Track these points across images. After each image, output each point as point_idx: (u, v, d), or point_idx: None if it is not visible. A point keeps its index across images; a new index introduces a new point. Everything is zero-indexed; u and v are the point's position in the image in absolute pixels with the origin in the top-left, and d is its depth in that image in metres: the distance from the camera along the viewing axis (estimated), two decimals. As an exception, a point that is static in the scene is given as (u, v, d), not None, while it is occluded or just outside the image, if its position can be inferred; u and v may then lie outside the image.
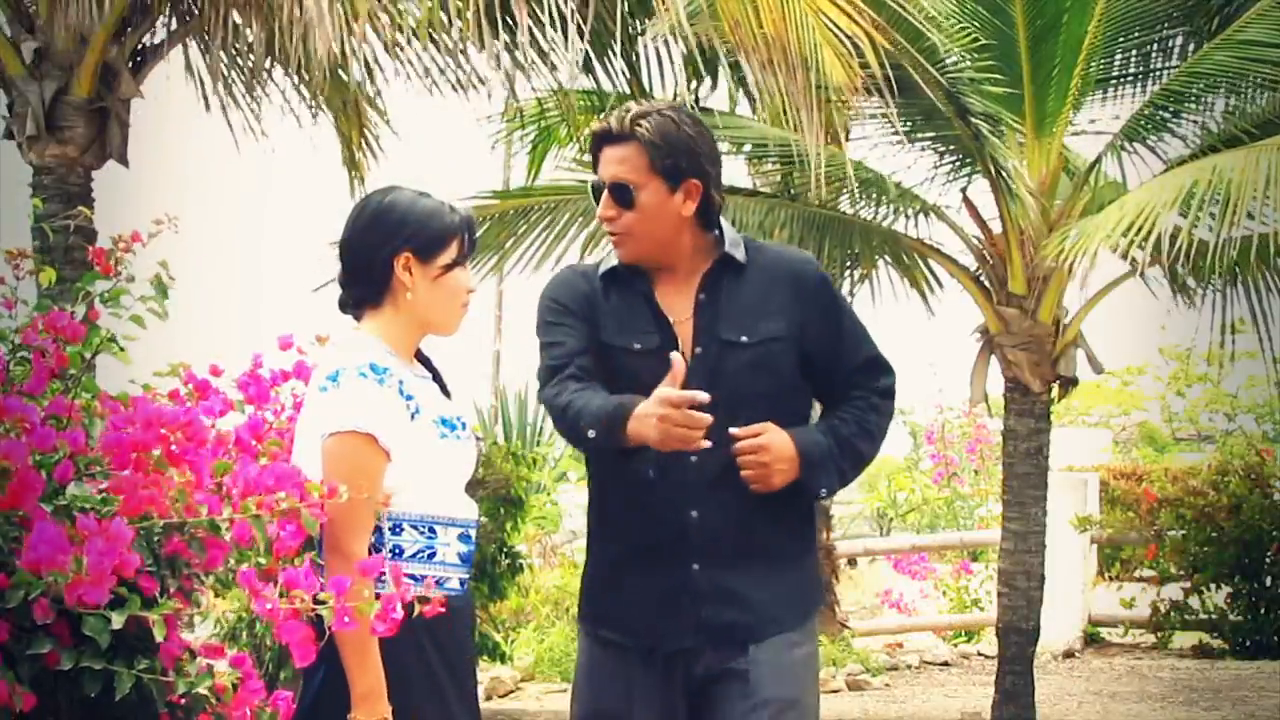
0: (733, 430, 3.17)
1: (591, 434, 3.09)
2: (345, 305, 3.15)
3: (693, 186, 3.28)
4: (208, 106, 7.68)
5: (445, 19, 6.45)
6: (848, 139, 7.58)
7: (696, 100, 7.65)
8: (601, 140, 3.31)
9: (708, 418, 3.00)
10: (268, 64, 7.55)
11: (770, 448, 3.19)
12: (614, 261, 3.34)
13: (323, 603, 2.55)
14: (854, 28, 6.34)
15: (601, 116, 8.40)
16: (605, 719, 3.30)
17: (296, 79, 7.68)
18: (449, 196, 3.17)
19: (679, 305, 3.29)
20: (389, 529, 2.98)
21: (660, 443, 3.01)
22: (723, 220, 3.37)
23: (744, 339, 3.25)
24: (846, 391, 3.36)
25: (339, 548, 2.86)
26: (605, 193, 3.27)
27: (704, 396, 3.00)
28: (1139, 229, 6.21)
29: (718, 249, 3.33)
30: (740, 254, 3.32)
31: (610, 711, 3.29)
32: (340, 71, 7.18)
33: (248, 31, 6.85)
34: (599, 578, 3.36)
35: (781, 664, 3.22)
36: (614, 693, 3.28)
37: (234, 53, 7.41)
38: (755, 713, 3.18)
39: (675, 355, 3.08)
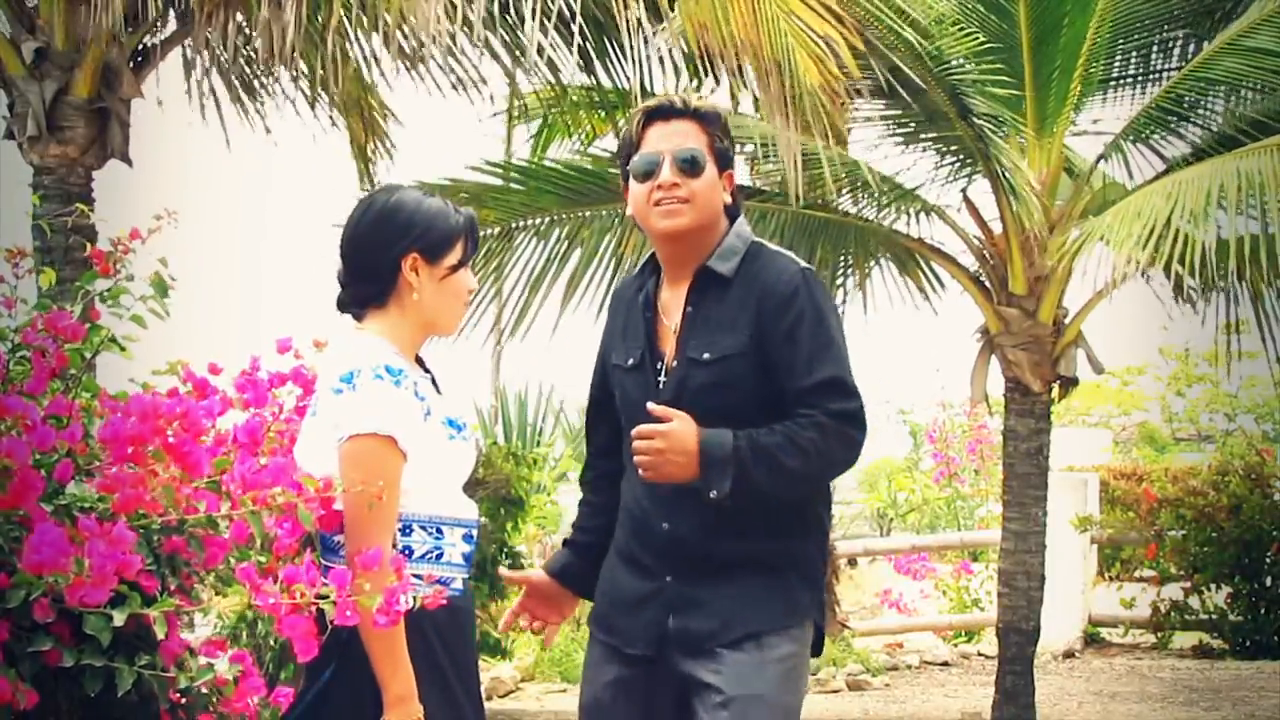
0: (651, 406, 3.16)
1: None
2: (345, 305, 3.10)
3: (729, 178, 3.32)
4: (204, 115, 7.67)
5: (445, 20, 6.41)
6: (848, 137, 7.56)
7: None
8: (655, 116, 3.29)
9: None
10: (271, 64, 7.53)
11: (669, 436, 3.11)
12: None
13: (324, 597, 2.54)
14: (827, 29, 6.17)
15: (602, 114, 8.42)
16: (596, 708, 3.38)
17: (298, 79, 7.66)
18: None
19: (679, 317, 3.32)
20: (399, 530, 2.97)
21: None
22: (735, 226, 3.32)
23: (705, 356, 3.22)
24: (794, 410, 3.16)
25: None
26: (668, 161, 3.23)
27: None
28: (1163, 237, 6.15)
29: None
30: (724, 266, 3.26)
31: (600, 700, 3.36)
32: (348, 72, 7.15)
33: (249, 32, 6.83)
34: (600, 583, 3.45)
35: (750, 664, 3.19)
36: (604, 685, 3.36)
37: (235, 49, 7.39)
38: (718, 711, 3.16)
39: None
